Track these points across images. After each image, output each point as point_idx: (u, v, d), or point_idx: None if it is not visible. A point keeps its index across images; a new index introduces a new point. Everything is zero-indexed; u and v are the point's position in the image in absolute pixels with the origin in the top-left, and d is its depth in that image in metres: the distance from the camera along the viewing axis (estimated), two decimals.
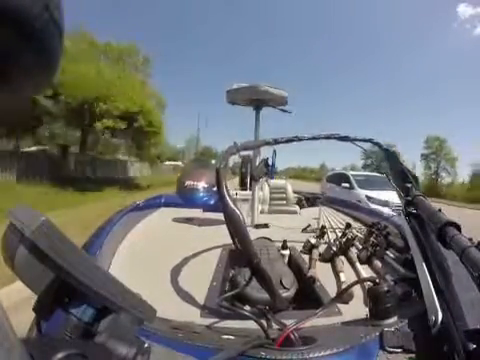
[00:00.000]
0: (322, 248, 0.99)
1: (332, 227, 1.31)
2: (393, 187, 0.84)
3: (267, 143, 0.80)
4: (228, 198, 0.53)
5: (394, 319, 0.49)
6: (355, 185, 6.98)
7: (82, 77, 9.15)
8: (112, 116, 9.58)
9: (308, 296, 0.73)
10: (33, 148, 11.25)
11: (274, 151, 4.72)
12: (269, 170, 1.93)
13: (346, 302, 0.66)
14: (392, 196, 5.47)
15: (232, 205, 0.52)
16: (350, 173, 7.90)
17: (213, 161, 2.93)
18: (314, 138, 0.82)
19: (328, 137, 0.83)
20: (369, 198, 6.16)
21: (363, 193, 6.43)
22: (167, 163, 24.80)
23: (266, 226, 1.43)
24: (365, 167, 27.21)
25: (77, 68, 8.93)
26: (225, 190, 0.54)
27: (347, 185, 7.11)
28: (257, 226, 1.43)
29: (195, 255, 0.96)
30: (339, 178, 7.74)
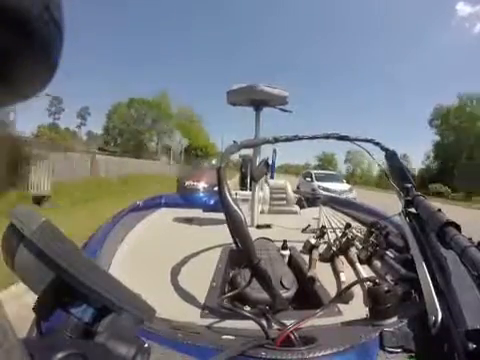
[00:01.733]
0: (322, 248, 0.99)
1: (332, 227, 1.31)
2: (393, 187, 0.84)
3: (267, 141, 0.80)
4: (229, 198, 0.52)
5: (394, 319, 0.49)
6: (314, 179, 11.02)
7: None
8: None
9: (308, 296, 0.73)
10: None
11: (274, 150, 4.69)
12: (269, 170, 1.92)
13: (346, 302, 0.66)
14: (334, 185, 10.08)
15: (233, 205, 0.51)
16: (313, 171, 12.48)
17: (213, 161, 2.94)
18: (314, 137, 0.82)
19: (328, 137, 0.83)
20: (319, 186, 9.78)
21: (317, 184, 10.22)
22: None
23: (268, 227, 1.43)
24: (318, 167, 41.11)
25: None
26: (226, 190, 0.53)
27: (309, 179, 11.13)
28: (259, 226, 1.43)
29: (195, 255, 0.96)
30: (307, 174, 12.12)
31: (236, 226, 0.51)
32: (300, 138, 0.80)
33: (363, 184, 27.42)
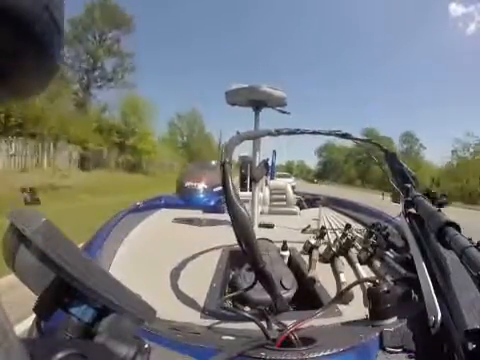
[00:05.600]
0: (322, 249, 0.99)
1: (332, 228, 1.31)
2: (393, 187, 0.84)
3: (269, 133, 0.79)
4: (235, 197, 0.49)
5: (394, 319, 0.49)
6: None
7: None
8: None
9: (308, 297, 0.73)
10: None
11: (274, 152, 4.69)
12: (269, 171, 1.93)
13: (346, 302, 0.66)
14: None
15: (239, 205, 0.48)
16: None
17: (213, 162, 2.93)
18: (315, 132, 0.82)
19: (329, 134, 0.83)
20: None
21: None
22: None
23: (270, 227, 1.43)
24: (285, 168, 57.53)
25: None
26: (231, 188, 0.50)
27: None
28: (261, 225, 1.43)
29: (195, 256, 0.96)
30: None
31: (242, 227, 0.48)
32: (302, 132, 0.80)
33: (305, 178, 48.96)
